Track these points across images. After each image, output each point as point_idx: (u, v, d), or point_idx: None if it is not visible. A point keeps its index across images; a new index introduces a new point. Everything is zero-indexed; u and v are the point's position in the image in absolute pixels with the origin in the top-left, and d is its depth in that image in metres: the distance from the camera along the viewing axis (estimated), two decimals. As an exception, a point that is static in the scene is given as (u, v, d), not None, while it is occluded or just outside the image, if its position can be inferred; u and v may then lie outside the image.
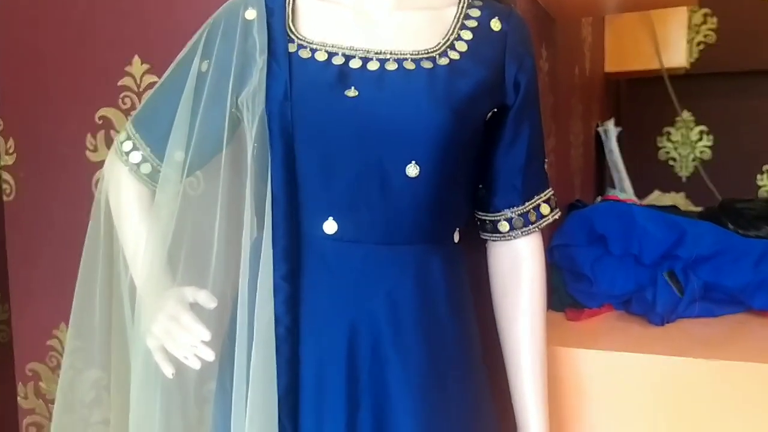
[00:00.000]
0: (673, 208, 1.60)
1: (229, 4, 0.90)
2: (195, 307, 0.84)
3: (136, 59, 1.25)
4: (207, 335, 0.80)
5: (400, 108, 0.80)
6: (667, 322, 1.21)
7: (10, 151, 1.38)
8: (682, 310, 1.22)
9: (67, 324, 1.01)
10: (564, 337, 1.16)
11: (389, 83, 0.81)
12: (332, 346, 0.81)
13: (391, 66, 0.82)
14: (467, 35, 0.86)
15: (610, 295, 1.28)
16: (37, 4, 1.33)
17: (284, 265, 0.80)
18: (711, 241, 1.25)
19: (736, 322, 1.24)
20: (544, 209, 0.94)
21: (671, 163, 2.74)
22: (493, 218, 0.93)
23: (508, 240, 0.93)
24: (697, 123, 2.68)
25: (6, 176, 1.39)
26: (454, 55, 0.84)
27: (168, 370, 0.84)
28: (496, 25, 0.88)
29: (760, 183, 2.62)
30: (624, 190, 1.89)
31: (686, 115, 2.68)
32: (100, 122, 1.29)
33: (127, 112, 1.26)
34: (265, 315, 0.79)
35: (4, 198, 1.40)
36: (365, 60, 0.83)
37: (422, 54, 0.83)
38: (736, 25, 2.54)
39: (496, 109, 0.88)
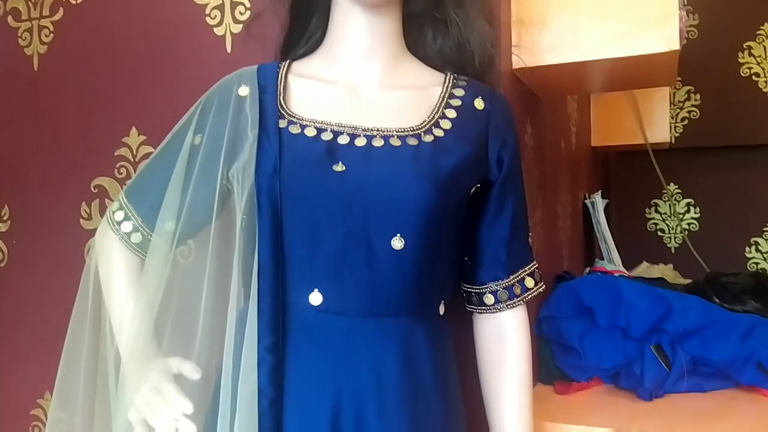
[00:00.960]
0: (661, 281, 1.61)
1: (224, 81, 0.94)
2: (179, 379, 0.84)
3: (133, 130, 1.29)
4: (189, 408, 0.80)
5: (385, 183, 0.82)
6: (656, 397, 1.21)
7: (5, 218, 1.40)
8: (670, 385, 1.22)
9: (51, 393, 1.00)
10: (552, 412, 1.15)
11: (375, 159, 0.84)
12: (315, 419, 0.80)
13: (378, 142, 0.85)
14: (451, 113, 0.89)
15: (599, 369, 1.27)
16: (37, 74, 1.37)
17: (269, 337, 0.81)
18: (697, 315, 1.26)
19: (725, 398, 1.23)
20: (529, 282, 0.95)
21: (660, 234, 2.77)
22: (478, 291, 0.94)
23: (494, 312, 0.94)
24: (684, 195, 2.73)
25: (-1, 243, 1.41)
26: (439, 133, 0.87)
27: (149, 445, 0.83)
28: (479, 104, 0.91)
29: (748, 255, 2.65)
30: (612, 261, 1.90)
31: (673, 187, 2.73)
32: (95, 191, 1.32)
33: (122, 182, 1.29)
34: (248, 387, 0.79)
35: (-4, 264, 1.41)
36: (353, 136, 0.85)
37: (408, 131, 0.86)
38: (719, 101, 2.62)
39: (479, 184, 0.90)
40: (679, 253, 2.69)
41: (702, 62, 2.55)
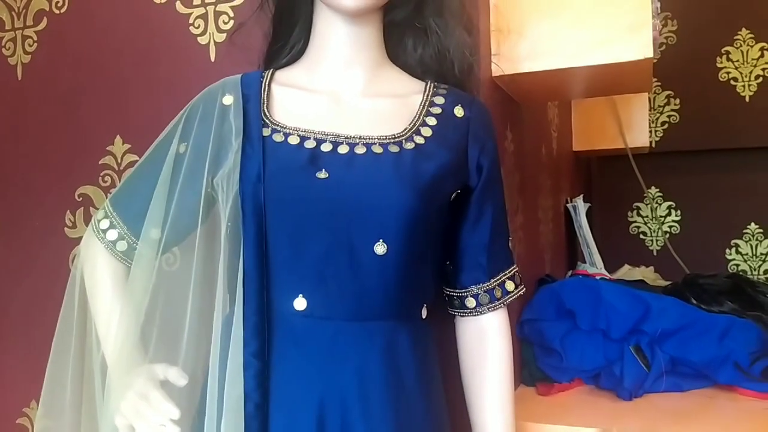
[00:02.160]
0: (641, 283, 1.64)
1: (208, 90, 0.95)
2: (166, 385, 0.85)
3: (118, 139, 1.30)
4: (176, 414, 0.81)
5: (368, 189, 0.84)
6: (635, 397, 1.23)
7: (-11, 226, 1.40)
8: (649, 385, 1.24)
9: (37, 402, 1.00)
10: (534, 413, 1.17)
11: (358, 166, 0.85)
12: (301, 422, 0.82)
13: (360, 150, 0.86)
14: (432, 121, 0.91)
15: (580, 370, 1.30)
16: (21, 84, 1.37)
17: (254, 342, 0.82)
18: (675, 316, 1.28)
19: (704, 397, 1.26)
20: (509, 286, 0.97)
21: (642, 237, 2.80)
22: (459, 294, 0.96)
23: (476, 315, 0.96)
24: (665, 199, 2.77)
25: (-17, 252, 1.41)
26: (420, 140, 0.89)
27: (136, 450, 0.84)
28: (459, 111, 0.93)
29: (729, 257, 2.69)
30: (594, 264, 1.93)
31: (654, 191, 2.77)
32: (80, 199, 1.32)
33: (107, 190, 1.30)
34: (234, 391, 0.80)
35: (-20, 273, 1.41)
36: (336, 144, 0.87)
37: (389, 139, 0.88)
38: (698, 106, 2.66)
39: (460, 190, 0.92)
40: (661, 255, 2.73)
41: (681, 67, 2.59)
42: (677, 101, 2.70)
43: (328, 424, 0.82)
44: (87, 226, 1.02)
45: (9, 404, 1.38)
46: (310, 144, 0.87)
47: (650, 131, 2.47)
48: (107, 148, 1.30)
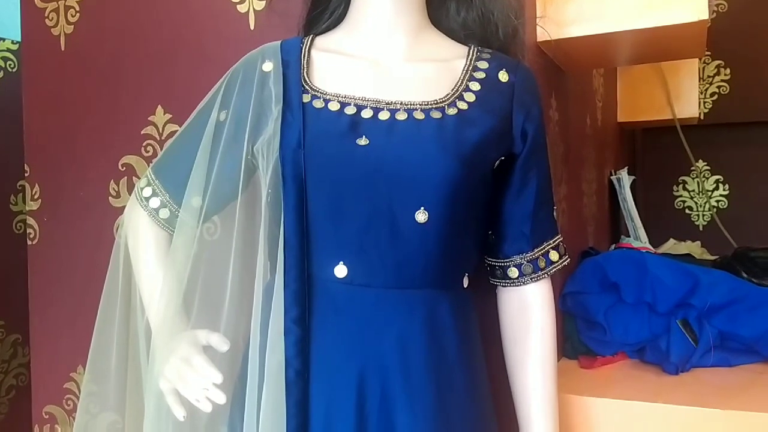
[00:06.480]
0: (688, 257, 1.60)
1: (248, 57, 0.94)
2: (208, 350, 0.86)
3: (159, 109, 1.30)
4: (219, 378, 0.82)
5: (409, 156, 0.82)
6: (682, 372, 1.20)
7: (35, 196, 1.43)
8: (696, 360, 1.21)
9: (84, 367, 1.02)
10: (577, 385, 1.15)
11: (399, 132, 0.84)
12: (341, 389, 0.82)
13: (401, 116, 0.85)
14: (475, 86, 0.89)
15: (624, 344, 1.27)
16: (64, 55, 1.39)
17: (295, 309, 0.82)
18: (725, 290, 1.24)
19: (753, 372, 1.22)
20: (554, 256, 0.95)
21: (688, 211, 2.73)
22: (502, 264, 0.94)
23: (518, 286, 0.94)
24: (713, 173, 2.69)
25: (30, 221, 1.44)
26: (463, 105, 0.87)
27: (179, 413, 0.85)
28: (503, 76, 0.91)
29: (778, 232, 2.60)
30: (638, 238, 1.88)
31: (701, 164, 2.69)
32: (123, 169, 1.34)
33: (149, 160, 1.31)
34: (275, 357, 0.80)
35: (28, 242, 1.44)
36: (376, 110, 0.85)
37: (431, 104, 0.86)
38: (749, 76, 2.56)
39: (503, 157, 0.90)
40: (707, 230, 2.66)
41: (732, 36, 2.49)
42: (728, 71, 2.61)
43: (368, 392, 0.82)
44: (130, 195, 1.03)
45: (56, 369, 1.41)
46: (350, 110, 0.85)
47: (699, 102, 2.38)
48: (149, 118, 1.31)
